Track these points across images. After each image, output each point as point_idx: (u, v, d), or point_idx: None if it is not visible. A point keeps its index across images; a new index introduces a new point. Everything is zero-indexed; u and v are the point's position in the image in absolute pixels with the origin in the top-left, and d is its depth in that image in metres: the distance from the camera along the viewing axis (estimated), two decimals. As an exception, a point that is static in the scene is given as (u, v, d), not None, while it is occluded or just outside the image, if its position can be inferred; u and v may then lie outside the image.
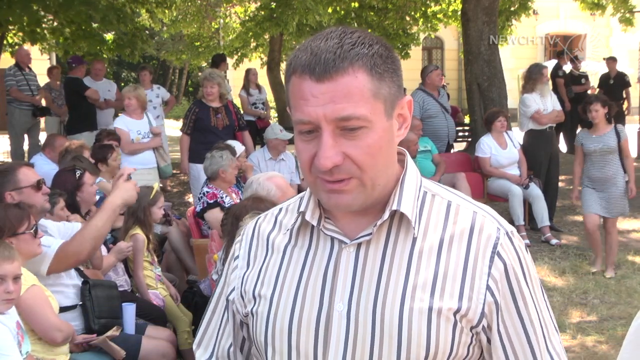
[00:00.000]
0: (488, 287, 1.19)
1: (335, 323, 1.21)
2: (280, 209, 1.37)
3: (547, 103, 7.61)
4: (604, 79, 13.02)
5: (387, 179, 1.20)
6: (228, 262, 1.40)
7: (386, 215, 1.21)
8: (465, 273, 1.19)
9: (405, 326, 1.17)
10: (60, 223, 3.75)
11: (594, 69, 15.66)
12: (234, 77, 19.04)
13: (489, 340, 1.21)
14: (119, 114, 7.62)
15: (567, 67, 12.91)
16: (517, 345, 1.21)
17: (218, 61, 10.77)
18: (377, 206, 1.22)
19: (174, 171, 9.84)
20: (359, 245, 1.22)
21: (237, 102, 10.29)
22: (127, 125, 6.84)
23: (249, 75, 11.03)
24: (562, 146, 11.98)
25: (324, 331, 1.21)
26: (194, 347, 1.45)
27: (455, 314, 1.18)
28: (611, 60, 13.05)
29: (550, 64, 12.66)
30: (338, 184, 1.15)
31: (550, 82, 7.85)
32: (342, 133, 1.13)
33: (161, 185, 7.83)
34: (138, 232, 4.48)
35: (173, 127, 10.86)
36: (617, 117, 12.63)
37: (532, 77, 7.66)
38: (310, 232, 1.28)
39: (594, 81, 13.71)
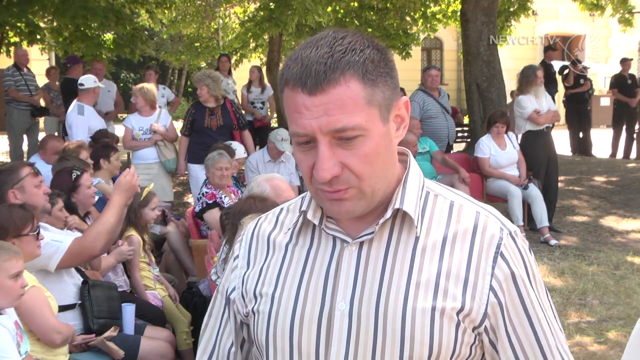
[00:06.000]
0: (491, 288, 1.19)
1: (337, 322, 1.20)
2: (282, 209, 1.37)
3: (542, 104, 7.60)
4: (619, 80, 12.99)
5: (388, 182, 1.20)
6: (228, 261, 1.40)
7: (388, 214, 1.20)
8: (469, 273, 1.19)
9: (409, 325, 1.16)
10: (63, 231, 3.80)
11: (593, 70, 15.67)
12: (234, 77, 19.05)
13: (491, 342, 1.21)
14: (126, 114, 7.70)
15: (556, 63, 12.89)
16: (526, 346, 1.21)
17: (219, 61, 11.19)
18: (380, 206, 1.22)
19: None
20: (361, 244, 1.22)
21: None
22: (131, 122, 7.09)
23: (259, 72, 11.19)
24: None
25: (325, 330, 1.21)
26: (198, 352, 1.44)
27: (458, 313, 1.17)
28: (626, 61, 13.04)
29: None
30: (337, 193, 1.16)
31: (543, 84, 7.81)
32: (338, 143, 1.13)
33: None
34: (133, 233, 4.48)
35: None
36: (630, 117, 12.75)
37: (526, 79, 7.65)
38: (312, 231, 1.28)
39: (594, 82, 13.74)
